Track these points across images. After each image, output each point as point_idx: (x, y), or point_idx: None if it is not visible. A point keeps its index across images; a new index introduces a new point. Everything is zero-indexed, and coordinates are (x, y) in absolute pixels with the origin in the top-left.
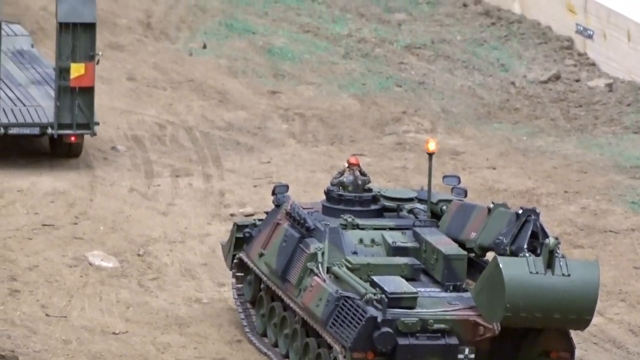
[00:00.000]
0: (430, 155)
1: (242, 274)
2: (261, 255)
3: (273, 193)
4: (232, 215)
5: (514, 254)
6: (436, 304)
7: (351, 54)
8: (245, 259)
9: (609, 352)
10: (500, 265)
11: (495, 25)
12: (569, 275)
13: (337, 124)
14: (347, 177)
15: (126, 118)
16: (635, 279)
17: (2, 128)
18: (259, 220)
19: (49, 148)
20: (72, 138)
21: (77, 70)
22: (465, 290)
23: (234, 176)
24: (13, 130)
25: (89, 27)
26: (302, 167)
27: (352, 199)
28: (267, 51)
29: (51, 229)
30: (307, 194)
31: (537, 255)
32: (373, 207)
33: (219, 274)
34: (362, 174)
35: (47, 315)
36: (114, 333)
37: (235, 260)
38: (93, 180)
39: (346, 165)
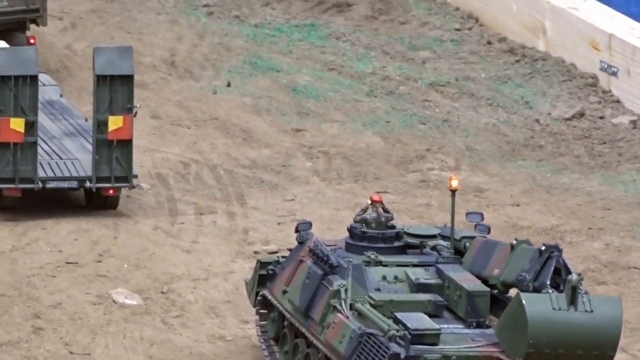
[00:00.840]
0: (453, 192)
1: (266, 311)
2: (284, 292)
3: (296, 230)
4: (255, 252)
5: (536, 290)
6: (459, 340)
7: (375, 92)
8: (269, 296)
9: None
10: (523, 302)
11: (520, 63)
12: (591, 311)
13: (361, 161)
14: (370, 214)
15: (150, 156)
16: None
17: (39, 182)
18: (283, 257)
19: (84, 200)
20: (110, 191)
21: (115, 123)
22: (488, 327)
23: (257, 214)
24: (51, 185)
25: (127, 79)
26: (326, 205)
27: (375, 235)
28: (292, 89)
29: (75, 266)
30: (331, 232)
31: (560, 291)
32: (396, 244)
33: (243, 311)
34: (385, 210)
35: (70, 353)
36: None
37: (258, 298)
38: (117, 218)
39: (369, 202)
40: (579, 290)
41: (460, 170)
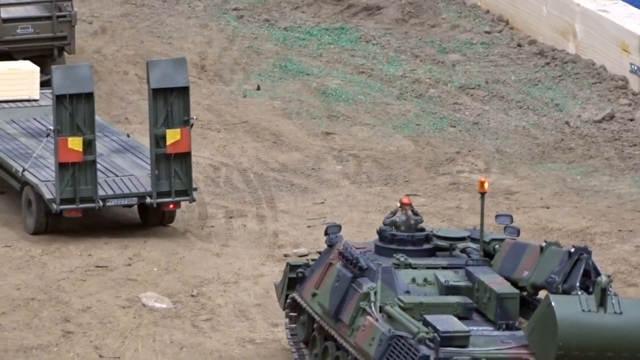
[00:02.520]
0: (483, 195)
1: (296, 314)
2: (314, 295)
3: (326, 233)
4: (285, 256)
5: (566, 292)
6: (489, 342)
7: (405, 95)
8: (299, 299)
9: None
10: (553, 304)
11: (550, 65)
12: (621, 313)
13: (391, 164)
14: (400, 217)
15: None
16: None
17: (100, 201)
18: (312, 260)
19: (138, 217)
20: (171, 206)
21: (172, 136)
22: (518, 329)
23: (287, 217)
24: (111, 202)
25: (182, 92)
26: (356, 208)
27: (405, 238)
28: (322, 92)
29: (105, 270)
30: (362, 234)
31: (590, 293)
32: (426, 246)
33: (273, 314)
34: (415, 213)
35: (100, 356)
36: None
37: (288, 301)
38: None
39: (398, 205)
40: (609, 292)
41: (490, 172)
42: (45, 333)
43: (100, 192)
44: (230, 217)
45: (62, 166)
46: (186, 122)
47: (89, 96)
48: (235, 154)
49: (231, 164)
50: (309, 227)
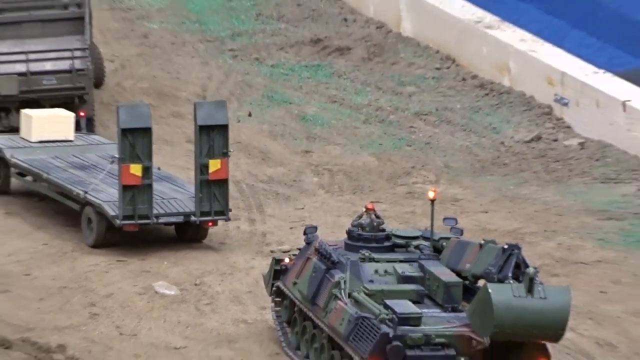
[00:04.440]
0: (432, 201)
1: (280, 299)
2: (295, 283)
3: (304, 233)
4: (272, 251)
5: (500, 281)
6: (438, 322)
7: (370, 120)
8: (282, 287)
9: None
10: (490, 291)
11: (488, 96)
12: (545, 298)
13: (359, 177)
14: (365, 220)
15: (185, 174)
16: (601, 302)
17: (154, 218)
18: (293, 255)
19: (174, 233)
20: (210, 224)
21: (214, 165)
22: (461, 311)
23: (273, 220)
24: (162, 219)
25: (223, 128)
26: (330, 213)
27: (369, 237)
28: (301, 118)
29: (124, 264)
30: (334, 234)
31: (520, 282)
32: (386, 244)
33: (261, 299)
34: (377, 217)
35: (120, 334)
36: (175, 348)
37: (274, 288)
38: (158, 226)
39: (364, 210)
40: (535, 281)
41: (440, 183)
42: (75, 315)
43: (155, 211)
44: (226, 221)
45: (125, 188)
46: (225, 154)
47: (147, 130)
48: (231, 169)
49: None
50: (291, 228)
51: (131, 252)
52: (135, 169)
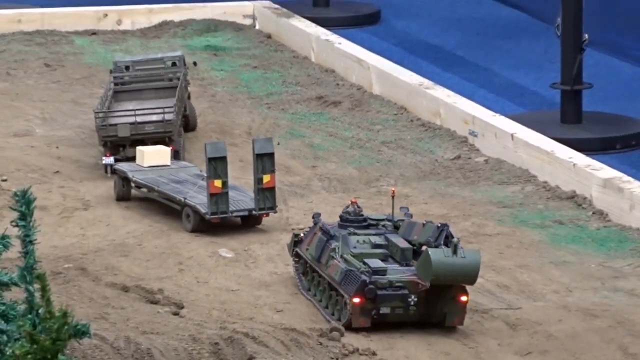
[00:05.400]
0: (392, 197)
1: (298, 259)
2: (307, 249)
3: (312, 217)
4: (292, 229)
5: (436, 247)
6: (397, 273)
7: (353, 147)
8: (299, 252)
9: (487, 297)
10: (429, 252)
11: (427, 131)
12: (464, 257)
13: (347, 182)
14: (350, 209)
15: (239, 181)
16: (499, 259)
17: (231, 213)
18: (306, 231)
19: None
20: (265, 215)
21: (266, 178)
22: (411, 266)
23: (293, 210)
24: (235, 214)
25: (271, 155)
26: (329, 205)
27: (353, 220)
28: (311, 146)
29: (200, 238)
30: (331, 218)
31: (448, 247)
32: (364, 224)
33: (286, 259)
34: (358, 207)
35: (197, 282)
36: (232, 290)
37: (294, 252)
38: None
39: (350, 203)
40: (458, 247)
41: (398, 185)
42: (169, 270)
43: (230, 208)
44: (275, 213)
45: (211, 195)
46: (272, 171)
47: (224, 158)
48: None
49: None
50: (304, 214)
51: (207, 232)
52: (217, 183)
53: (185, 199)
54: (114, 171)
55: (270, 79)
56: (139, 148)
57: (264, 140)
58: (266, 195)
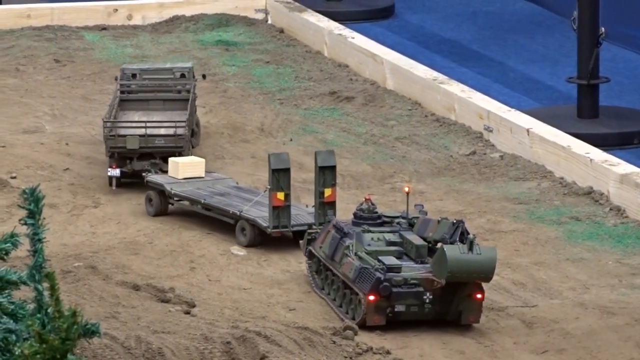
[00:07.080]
0: (407, 194)
1: (311, 257)
2: (321, 247)
3: (326, 214)
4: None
5: (452, 243)
6: (411, 270)
7: (367, 143)
8: (313, 250)
9: (503, 295)
10: (445, 249)
11: (442, 127)
12: (480, 254)
13: (360, 179)
14: (364, 206)
15: (249, 179)
16: (515, 257)
17: (292, 227)
18: (319, 229)
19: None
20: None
21: (327, 192)
22: (427, 264)
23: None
24: (295, 228)
25: (332, 168)
26: (343, 202)
27: (367, 217)
28: (324, 142)
29: (211, 235)
30: (345, 215)
31: (464, 243)
32: (378, 221)
33: (299, 257)
34: (372, 204)
35: (209, 280)
36: (244, 289)
37: (307, 250)
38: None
39: (364, 199)
40: (474, 243)
41: (412, 182)
42: (180, 268)
43: (291, 223)
44: None
45: (274, 208)
46: (333, 185)
47: (287, 170)
48: None
49: None
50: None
51: (219, 228)
52: (280, 195)
53: (241, 212)
54: (146, 184)
55: (283, 74)
56: (173, 159)
57: (327, 153)
58: (326, 209)
